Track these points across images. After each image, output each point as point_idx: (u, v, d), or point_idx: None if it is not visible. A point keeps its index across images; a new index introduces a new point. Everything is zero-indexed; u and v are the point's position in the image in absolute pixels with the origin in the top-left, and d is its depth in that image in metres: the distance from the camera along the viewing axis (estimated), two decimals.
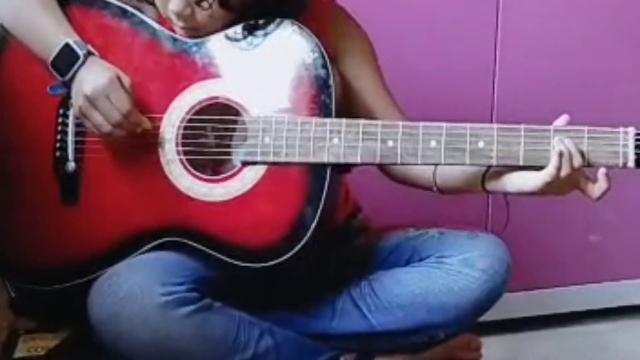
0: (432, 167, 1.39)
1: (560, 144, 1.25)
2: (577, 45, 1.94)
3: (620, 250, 2.07)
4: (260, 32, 1.32)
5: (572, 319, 2.05)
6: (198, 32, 1.35)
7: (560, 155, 1.25)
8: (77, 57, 1.31)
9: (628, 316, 2.08)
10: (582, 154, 1.26)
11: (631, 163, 1.26)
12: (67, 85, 1.32)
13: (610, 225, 2.04)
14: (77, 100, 1.31)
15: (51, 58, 1.32)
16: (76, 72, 1.31)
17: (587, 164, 1.27)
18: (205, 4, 1.31)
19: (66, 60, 1.31)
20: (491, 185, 1.34)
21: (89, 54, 1.32)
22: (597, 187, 1.27)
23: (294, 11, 1.34)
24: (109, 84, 1.29)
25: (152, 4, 1.37)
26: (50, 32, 1.33)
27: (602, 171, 1.26)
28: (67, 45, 1.31)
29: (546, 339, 2.00)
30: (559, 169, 1.25)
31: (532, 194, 1.29)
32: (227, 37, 1.33)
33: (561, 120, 1.29)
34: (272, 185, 1.30)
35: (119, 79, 1.30)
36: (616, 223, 2.04)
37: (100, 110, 1.29)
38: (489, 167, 1.33)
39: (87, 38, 1.35)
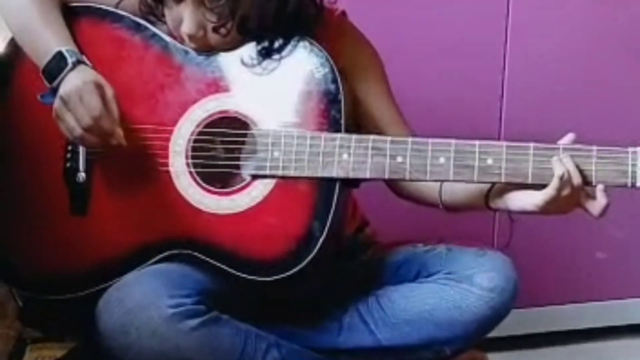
0: (438, 184, 1.39)
1: (559, 165, 1.26)
2: (586, 61, 1.94)
3: (627, 268, 2.07)
4: (276, 56, 1.33)
5: (579, 336, 2.04)
6: (210, 50, 1.35)
7: (561, 177, 1.25)
8: (66, 64, 1.30)
9: (635, 334, 2.08)
10: (582, 172, 1.26)
11: (639, 183, 1.27)
12: (56, 92, 1.30)
13: (618, 243, 2.04)
14: (54, 103, 1.30)
15: (43, 65, 1.31)
16: (63, 79, 1.30)
17: (594, 182, 1.27)
18: (223, 31, 1.32)
19: (56, 67, 1.30)
20: (495, 203, 1.34)
21: (78, 62, 1.31)
22: (597, 204, 1.27)
23: (306, 30, 1.35)
24: (82, 86, 1.27)
25: (165, 23, 1.37)
26: (46, 41, 1.32)
27: (600, 187, 1.26)
28: (59, 53, 1.31)
29: (552, 356, 2.00)
30: (559, 189, 1.26)
31: (534, 212, 1.29)
32: (243, 62, 1.34)
33: (567, 139, 1.29)
34: (281, 199, 1.31)
35: (99, 86, 1.29)
36: (624, 241, 2.04)
37: (72, 112, 1.28)
38: (493, 184, 1.33)
39: (98, 50, 1.36)
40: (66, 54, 1.30)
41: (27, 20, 1.35)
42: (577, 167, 1.26)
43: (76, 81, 1.28)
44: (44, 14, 1.35)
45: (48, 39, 1.33)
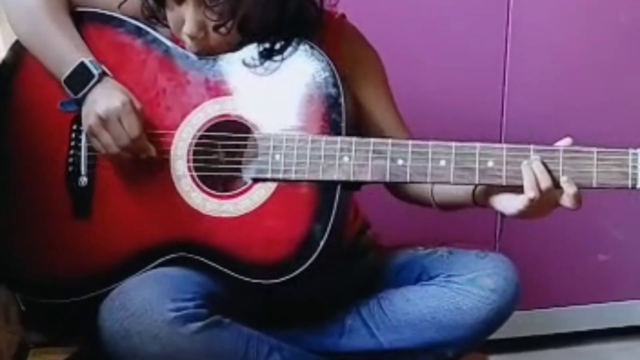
0: (430, 184, 1.39)
1: (527, 170, 1.25)
2: (588, 64, 1.94)
3: (629, 270, 2.07)
4: (277, 57, 1.33)
5: (581, 338, 2.04)
6: (211, 52, 1.36)
7: (531, 179, 1.25)
8: (92, 76, 1.32)
9: (637, 336, 2.08)
10: (552, 175, 1.25)
11: None
12: (79, 103, 1.33)
13: (619, 245, 2.04)
14: (87, 119, 1.32)
15: (65, 76, 1.33)
16: (89, 90, 1.32)
17: (595, 185, 1.27)
18: (223, 30, 1.32)
19: (80, 78, 1.32)
20: (481, 201, 1.34)
21: (104, 74, 1.33)
22: (566, 195, 1.26)
23: (307, 32, 1.35)
24: (122, 107, 1.30)
25: (167, 25, 1.38)
26: (65, 50, 1.34)
27: (563, 179, 1.25)
28: (82, 64, 1.33)
29: (554, 358, 1.99)
30: (530, 195, 1.25)
31: (514, 216, 1.29)
32: (245, 64, 1.34)
33: (564, 143, 1.29)
34: (282, 203, 1.31)
35: (132, 102, 1.32)
36: (625, 243, 2.04)
37: (111, 132, 1.31)
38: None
39: (101, 55, 1.36)
40: (90, 66, 1.33)
41: (40, 29, 1.36)
42: (547, 169, 1.25)
43: (115, 102, 1.30)
44: (59, 23, 1.36)
45: (66, 48, 1.35)
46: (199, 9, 1.32)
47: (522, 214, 1.28)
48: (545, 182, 1.25)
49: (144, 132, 1.32)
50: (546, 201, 1.26)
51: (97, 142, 1.33)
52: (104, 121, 1.30)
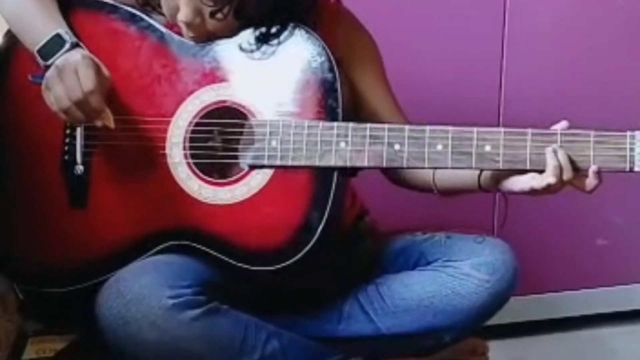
0: (432, 170, 1.39)
1: (552, 157, 1.26)
2: (585, 49, 1.93)
3: (628, 254, 2.06)
4: (274, 41, 1.33)
5: (580, 323, 2.04)
6: (208, 38, 1.35)
7: (555, 168, 1.26)
8: (64, 43, 1.30)
9: (636, 320, 2.08)
10: (580, 159, 1.26)
11: (638, 167, 1.26)
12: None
13: (618, 229, 2.04)
14: (47, 74, 1.29)
15: (39, 46, 1.31)
16: (59, 57, 1.29)
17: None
18: (220, 15, 1.31)
19: (52, 47, 1.30)
20: (487, 185, 1.35)
21: (77, 45, 1.31)
22: (589, 182, 1.27)
23: (303, 16, 1.35)
24: (80, 60, 1.27)
25: (162, 13, 1.37)
26: (43, 25, 1.32)
27: (593, 169, 1.26)
28: (57, 35, 1.31)
29: (554, 343, 1.99)
30: (551, 182, 1.26)
31: (524, 194, 1.30)
32: (241, 49, 1.34)
33: (560, 127, 1.29)
34: (279, 189, 1.31)
35: (97, 64, 1.28)
36: (624, 227, 2.04)
37: (64, 82, 1.27)
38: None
39: (95, 41, 1.35)
40: (65, 36, 1.31)
41: (22, 7, 1.35)
42: (570, 158, 1.26)
43: (76, 55, 1.28)
44: (42, 2, 1.34)
45: (45, 23, 1.33)
46: None
47: (534, 193, 1.29)
48: (568, 174, 1.26)
49: (101, 93, 1.28)
50: (561, 187, 1.27)
51: (50, 96, 1.29)
52: (59, 71, 1.27)
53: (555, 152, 1.26)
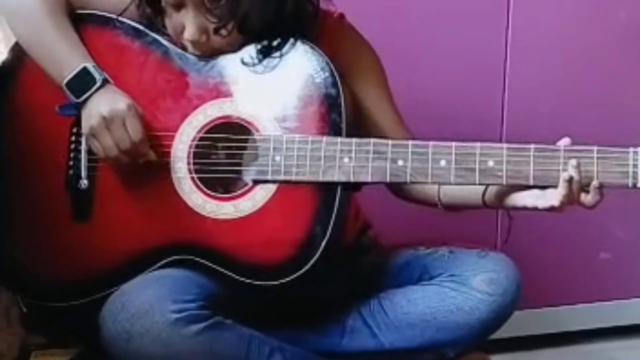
0: (437, 186, 1.40)
1: (565, 186, 1.25)
2: (588, 63, 1.94)
3: (631, 268, 2.06)
4: (276, 54, 1.33)
5: (583, 337, 2.04)
6: (213, 55, 1.36)
7: (565, 197, 1.26)
8: (95, 81, 1.32)
9: (639, 334, 2.07)
10: (583, 174, 1.26)
11: None
12: (78, 107, 1.33)
13: (621, 243, 2.04)
14: (89, 120, 1.32)
15: (67, 79, 1.33)
16: (91, 95, 1.32)
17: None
18: (224, 32, 1.32)
19: (82, 82, 1.32)
20: (491, 202, 1.35)
21: (106, 80, 1.33)
22: (591, 198, 1.27)
23: (306, 30, 1.35)
24: (127, 110, 1.30)
25: (166, 33, 1.38)
26: (67, 54, 1.34)
27: (594, 184, 1.26)
28: (84, 69, 1.33)
29: (557, 357, 1.99)
30: (557, 205, 1.26)
31: (527, 209, 1.30)
32: (243, 62, 1.34)
33: (562, 143, 1.29)
34: (283, 204, 1.31)
35: (136, 108, 1.32)
36: (627, 241, 2.04)
37: (113, 134, 1.30)
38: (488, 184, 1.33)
39: (100, 57, 1.36)
40: (92, 71, 1.33)
41: (40, 33, 1.36)
42: (581, 185, 1.26)
43: (121, 105, 1.30)
44: (59, 27, 1.36)
45: (68, 53, 1.34)
46: (199, 13, 1.32)
47: (537, 210, 1.29)
48: (576, 198, 1.26)
49: (146, 138, 1.32)
50: (564, 209, 1.27)
51: (97, 144, 1.32)
52: (107, 122, 1.30)
53: (569, 181, 1.25)
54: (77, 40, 1.37)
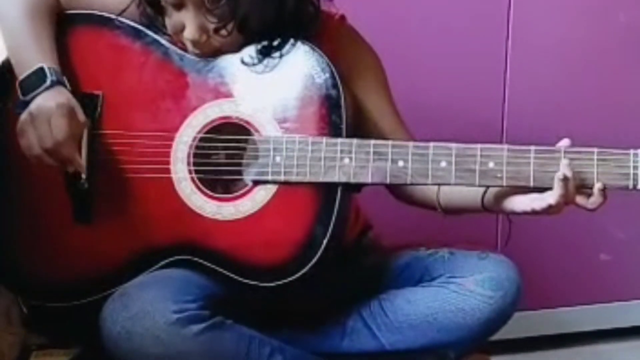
0: (436, 187, 1.40)
1: (561, 186, 1.25)
2: (588, 65, 1.94)
3: (631, 269, 2.06)
4: (276, 54, 1.33)
5: (583, 338, 2.04)
6: (214, 55, 1.36)
7: (561, 197, 1.25)
8: (45, 81, 1.29)
9: (639, 336, 2.07)
10: (583, 175, 1.26)
11: None
12: (25, 106, 1.30)
13: (621, 245, 2.04)
14: (21, 116, 1.30)
15: (21, 78, 1.31)
16: (38, 94, 1.29)
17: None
18: (224, 32, 1.32)
19: (34, 82, 1.30)
20: (490, 205, 1.35)
21: (58, 82, 1.30)
22: (594, 200, 1.27)
23: (306, 31, 1.35)
24: (54, 108, 1.28)
25: (166, 33, 1.38)
26: (31, 55, 1.32)
27: (598, 186, 1.26)
28: (40, 69, 1.31)
29: (557, 358, 1.99)
30: (555, 202, 1.26)
31: (527, 214, 1.30)
32: (243, 62, 1.34)
33: (562, 144, 1.29)
34: (283, 205, 1.31)
35: (72, 112, 1.29)
36: (627, 242, 2.04)
37: (36, 130, 1.28)
38: (488, 187, 1.33)
39: (100, 57, 1.36)
40: (47, 71, 1.30)
41: (18, 34, 1.35)
42: (576, 172, 1.26)
43: (50, 102, 1.28)
44: (36, 30, 1.34)
45: (33, 53, 1.32)
46: (199, 13, 1.32)
47: (535, 213, 1.29)
48: (572, 197, 1.26)
49: (73, 143, 1.29)
50: (562, 209, 1.27)
51: (22, 141, 1.29)
52: (32, 118, 1.28)
53: (565, 181, 1.26)
54: (49, 42, 1.35)
